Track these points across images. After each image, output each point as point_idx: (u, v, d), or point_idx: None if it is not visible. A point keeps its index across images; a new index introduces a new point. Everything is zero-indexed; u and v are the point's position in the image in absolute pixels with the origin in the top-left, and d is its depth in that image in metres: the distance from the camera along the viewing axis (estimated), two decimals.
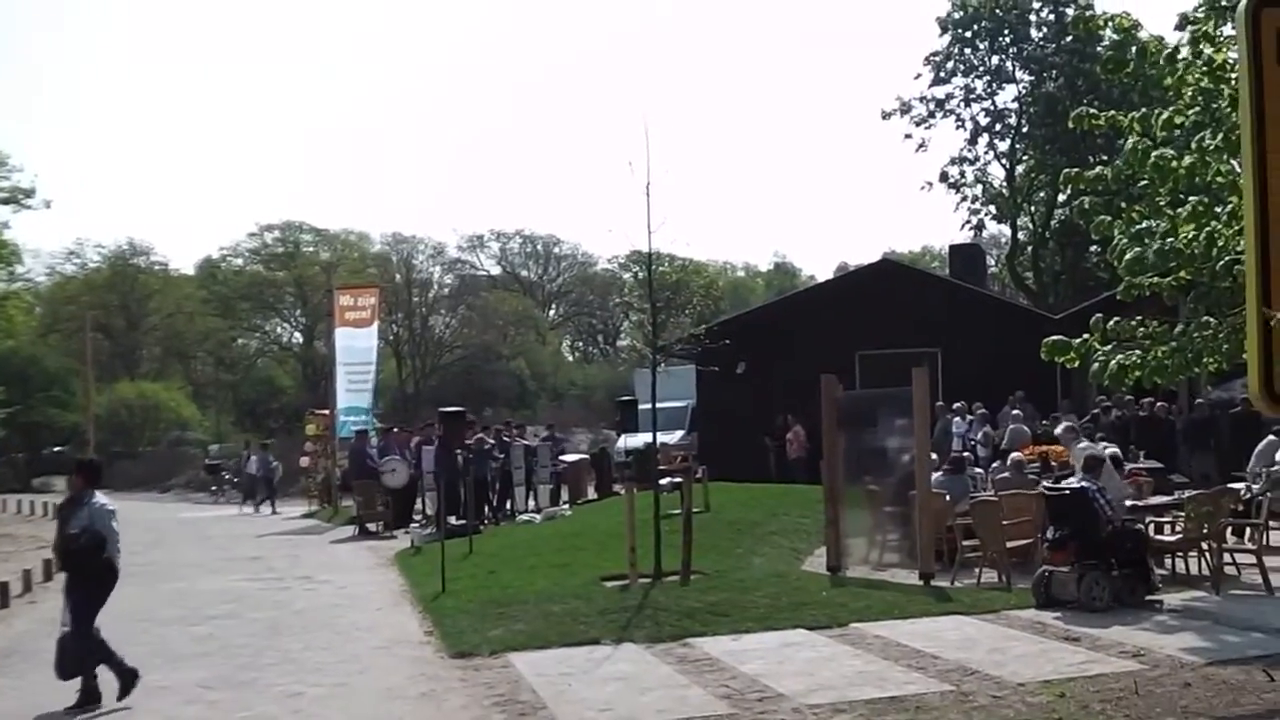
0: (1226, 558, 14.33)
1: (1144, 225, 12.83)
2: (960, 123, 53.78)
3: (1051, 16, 51.36)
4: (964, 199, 55.04)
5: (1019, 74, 53.13)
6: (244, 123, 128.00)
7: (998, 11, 51.52)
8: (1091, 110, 14.31)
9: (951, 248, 47.55)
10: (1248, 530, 15.00)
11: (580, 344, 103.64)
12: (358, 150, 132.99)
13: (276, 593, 17.51)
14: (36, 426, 62.10)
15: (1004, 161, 54.75)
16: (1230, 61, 11.97)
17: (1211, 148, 12.15)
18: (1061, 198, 46.90)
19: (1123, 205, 13.82)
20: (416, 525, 25.86)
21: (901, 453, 16.62)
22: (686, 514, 15.72)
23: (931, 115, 53.55)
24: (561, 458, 31.00)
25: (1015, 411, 25.34)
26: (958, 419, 26.03)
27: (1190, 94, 12.86)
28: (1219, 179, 12.19)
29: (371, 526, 26.84)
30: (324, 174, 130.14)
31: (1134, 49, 14.74)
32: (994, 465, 19.80)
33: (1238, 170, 11.26)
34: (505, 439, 28.83)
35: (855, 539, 16.97)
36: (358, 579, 18.91)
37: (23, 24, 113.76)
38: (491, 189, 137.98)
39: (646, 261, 17.39)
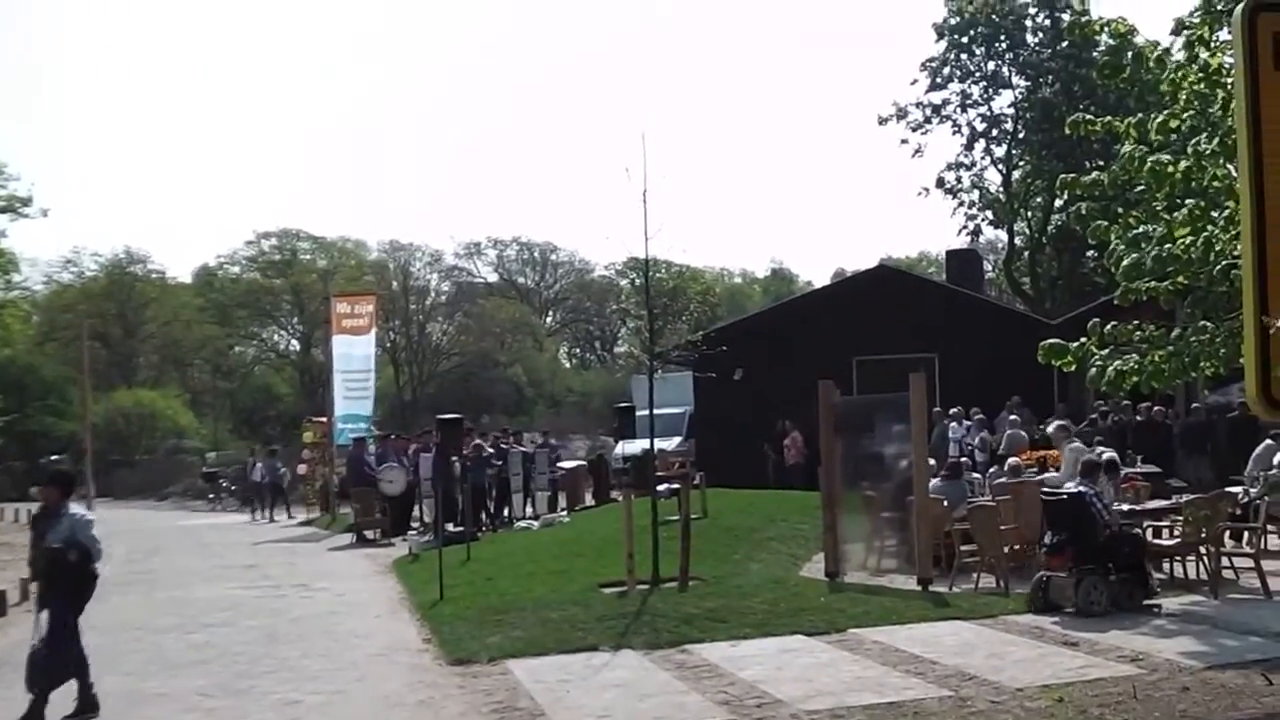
0: (1224, 562, 14.34)
1: (1141, 230, 12.84)
2: (957, 128, 53.81)
3: (1047, 22, 51.36)
4: (960, 204, 55.07)
5: (1015, 79, 53.13)
6: (241, 132, 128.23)
7: (994, 17, 51.49)
8: (1088, 116, 14.34)
9: (948, 253, 47.60)
10: (1245, 534, 15.02)
11: (577, 351, 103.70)
12: (355, 158, 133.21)
13: (274, 600, 17.49)
14: (34, 435, 61.99)
15: (1000, 167, 54.77)
16: (1226, 66, 12.00)
17: (1208, 152, 12.17)
18: (1058, 203, 46.91)
19: (1119, 210, 13.84)
20: (414, 532, 25.88)
21: (899, 458, 16.60)
22: (684, 520, 15.72)
23: (928, 121, 53.55)
24: (559, 465, 31.02)
25: (1013, 417, 25.33)
26: (955, 424, 26.02)
27: (1186, 98, 12.87)
28: (1215, 183, 12.20)
29: (369, 534, 26.83)
30: (321, 182, 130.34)
31: (1130, 54, 14.75)
32: (991, 470, 19.80)
33: (1234, 175, 11.26)
34: (503, 446, 28.83)
35: (853, 545, 16.96)
36: (355, 586, 18.89)
37: (20, 31, 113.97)
38: (489, 196, 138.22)
39: (644, 268, 17.42)
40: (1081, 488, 13.43)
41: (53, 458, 62.05)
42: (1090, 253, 44.18)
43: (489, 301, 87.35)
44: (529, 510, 28.46)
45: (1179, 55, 13.19)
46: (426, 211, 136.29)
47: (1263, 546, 14.43)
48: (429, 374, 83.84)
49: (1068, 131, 14.87)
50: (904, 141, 54.28)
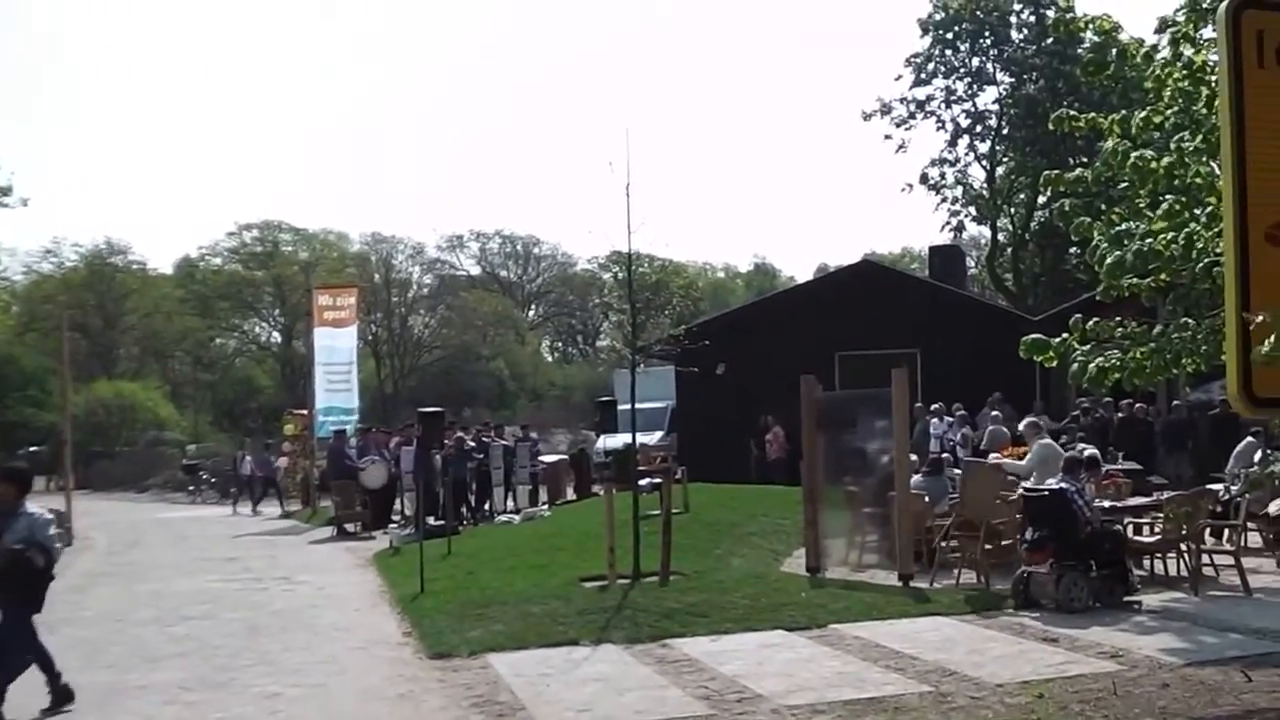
0: (1205, 559, 14.38)
1: (1124, 227, 12.84)
2: (941, 124, 53.99)
3: (1032, 18, 51.53)
4: (944, 200, 55.25)
5: (999, 76, 53.30)
6: (223, 123, 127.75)
7: (979, 13, 51.64)
8: (1071, 112, 14.32)
9: (931, 249, 47.67)
10: (1226, 531, 15.04)
11: (560, 344, 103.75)
12: (338, 149, 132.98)
13: (254, 593, 17.43)
14: (13, 426, 61.70)
15: (984, 163, 54.94)
16: (1210, 63, 12.00)
17: (1191, 149, 12.17)
18: (1041, 199, 46.98)
19: (1103, 207, 13.85)
20: (395, 526, 25.82)
21: (881, 454, 16.60)
22: (665, 515, 15.72)
23: (912, 116, 53.73)
24: (540, 458, 30.98)
25: (994, 413, 25.39)
26: (937, 420, 26.09)
27: (1170, 95, 12.87)
28: (1198, 180, 12.20)
29: (350, 527, 26.77)
30: (303, 173, 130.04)
31: (1114, 51, 14.79)
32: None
33: (1217, 172, 11.28)
34: (484, 439, 28.79)
35: (834, 540, 16.95)
36: (336, 579, 18.85)
37: None
38: (471, 189, 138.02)
39: (626, 262, 17.38)
40: (1063, 484, 13.46)
41: (31, 449, 61.91)
42: (1073, 249, 44.33)
43: (471, 294, 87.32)
44: (510, 504, 28.43)
45: (1163, 53, 13.19)
46: (409, 204, 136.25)
47: (1243, 544, 14.45)
48: (410, 367, 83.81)
49: (1051, 128, 14.87)
50: (888, 137, 54.60)
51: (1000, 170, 55.07)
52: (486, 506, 27.95)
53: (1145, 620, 12.26)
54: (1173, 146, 12.39)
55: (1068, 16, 45.12)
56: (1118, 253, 12.49)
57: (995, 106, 53.54)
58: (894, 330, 29.43)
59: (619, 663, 11.12)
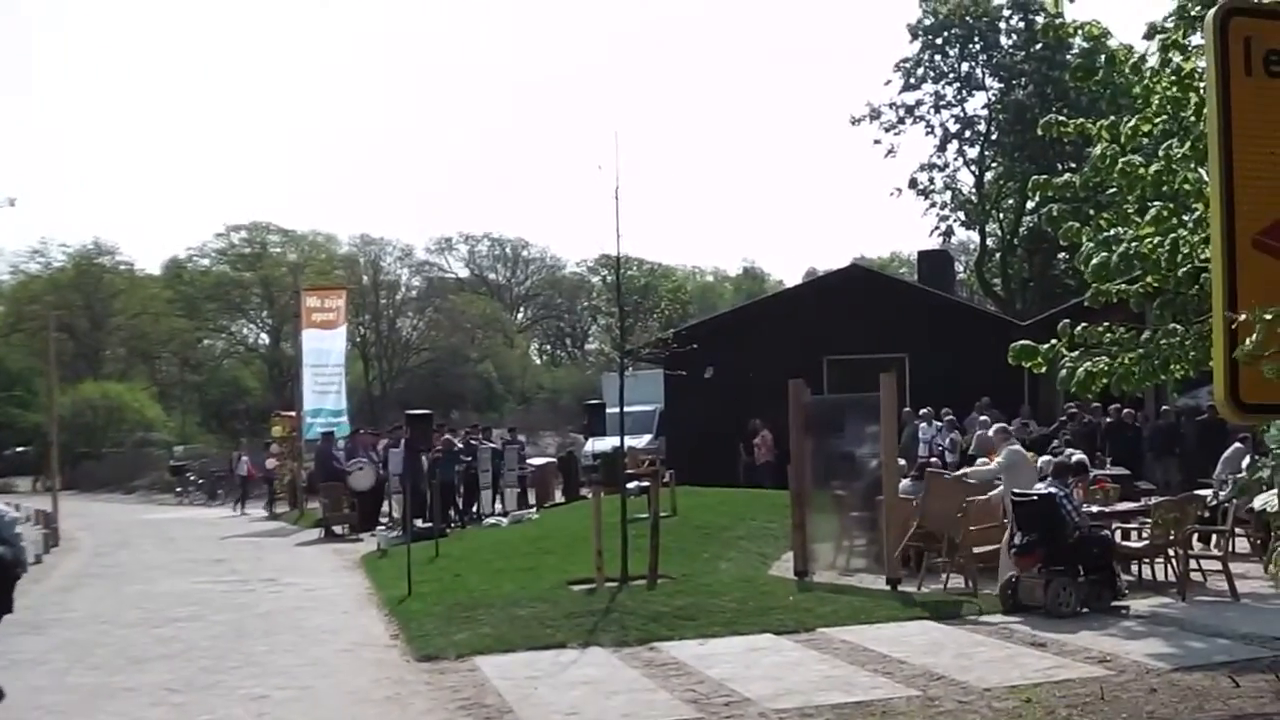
0: (1193, 564, 14.39)
1: (1112, 232, 12.87)
2: (930, 129, 53.97)
3: (1021, 24, 51.54)
4: (933, 205, 55.17)
5: (989, 81, 53.30)
6: (211, 123, 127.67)
7: (968, 19, 51.67)
8: (1060, 118, 14.34)
9: (920, 254, 47.70)
10: (1214, 537, 15.08)
11: (548, 347, 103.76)
12: (326, 151, 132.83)
13: (241, 595, 17.42)
14: None
15: (973, 168, 54.91)
16: (1198, 70, 12.02)
17: (1179, 156, 12.21)
18: (1030, 205, 47.06)
19: (1091, 212, 13.86)
20: (383, 528, 25.80)
21: (869, 458, 16.62)
22: (654, 518, 15.71)
23: (901, 121, 53.68)
24: (528, 461, 30.98)
25: (982, 418, 25.41)
26: (925, 425, 26.11)
27: (1158, 102, 12.91)
28: (1186, 187, 12.24)
29: (337, 529, 26.77)
30: (291, 175, 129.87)
31: (1103, 57, 14.79)
32: (961, 471, 19.83)
33: (1204, 179, 11.30)
34: (472, 442, 28.78)
35: (822, 544, 16.97)
36: (323, 582, 18.83)
37: None
38: (460, 191, 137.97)
39: (615, 265, 17.38)
40: (1052, 489, 13.48)
41: (18, 450, 61.80)
42: (1061, 255, 44.39)
43: (459, 297, 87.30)
44: (497, 507, 28.43)
45: (1152, 60, 13.22)
46: (397, 206, 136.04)
47: (1231, 549, 14.49)
48: (399, 369, 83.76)
49: (1040, 133, 14.88)
50: (877, 142, 54.54)
51: (989, 175, 55.09)
52: (474, 509, 27.94)
53: (1133, 625, 12.27)
54: (1161, 153, 12.43)
55: (1057, 21, 45.16)
56: (1104, 254, 12.53)
57: (984, 112, 53.58)
58: (883, 335, 29.43)
59: (606, 666, 11.11)
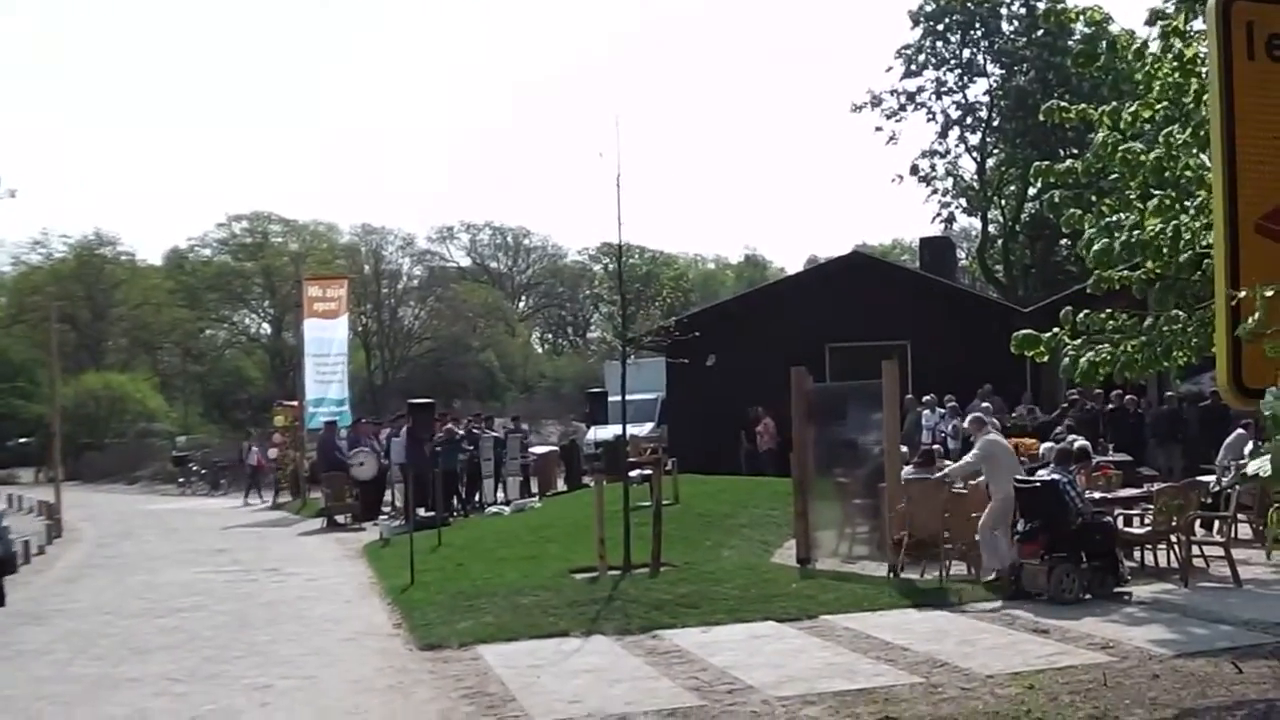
0: (1195, 550, 14.40)
1: (1114, 219, 12.86)
2: (931, 116, 53.84)
3: (1023, 10, 51.37)
4: (934, 192, 55.09)
5: (990, 67, 53.17)
6: (212, 113, 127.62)
7: (969, 5, 51.50)
8: (1062, 104, 14.33)
9: (922, 240, 47.58)
10: (1216, 523, 15.09)
11: (550, 336, 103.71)
12: (327, 140, 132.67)
13: (244, 585, 17.42)
14: (1, 418, 61.66)
15: (975, 155, 54.80)
16: (1200, 56, 12.01)
17: (1180, 142, 12.20)
18: (1032, 191, 46.99)
19: (1093, 199, 13.85)
20: (385, 517, 25.81)
21: (871, 445, 16.60)
22: (656, 506, 15.73)
23: (902, 108, 53.57)
24: (531, 450, 30.97)
25: (984, 404, 25.40)
26: (927, 411, 26.10)
27: (1160, 88, 12.90)
28: (1188, 173, 12.24)
29: (340, 518, 26.77)
30: (293, 165, 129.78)
31: (1105, 43, 14.80)
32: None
33: (1206, 165, 11.29)
34: (475, 431, 28.78)
35: (825, 531, 16.95)
36: (326, 571, 18.84)
37: None
38: (462, 180, 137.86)
39: (617, 253, 17.36)
40: (1055, 475, 13.47)
41: (20, 441, 61.85)
42: (1063, 241, 44.30)
43: (461, 286, 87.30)
44: (500, 495, 28.45)
45: (1154, 45, 13.20)
46: (399, 195, 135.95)
47: (1233, 535, 14.50)
48: (400, 358, 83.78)
49: (1042, 119, 14.86)
50: (878, 129, 54.50)
51: (991, 162, 54.97)
52: (477, 498, 27.95)
53: (1136, 611, 12.27)
54: (1162, 139, 12.42)
55: (1058, 7, 45.12)
56: (1105, 240, 12.52)
57: (986, 98, 53.45)
58: (885, 322, 29.38)
59: (609, 654, 11.12)
